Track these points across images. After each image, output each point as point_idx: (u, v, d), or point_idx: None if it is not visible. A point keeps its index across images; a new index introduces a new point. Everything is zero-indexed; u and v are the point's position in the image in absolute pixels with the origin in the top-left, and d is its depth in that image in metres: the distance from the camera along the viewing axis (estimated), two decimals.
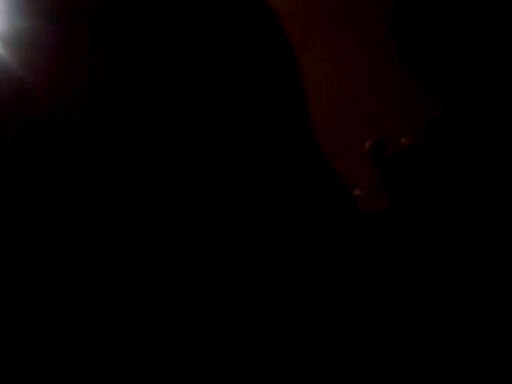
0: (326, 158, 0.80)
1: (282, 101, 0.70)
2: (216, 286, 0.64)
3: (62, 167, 0.63)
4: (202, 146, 0.63)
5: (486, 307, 1.22)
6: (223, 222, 0.64)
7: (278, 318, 0.67)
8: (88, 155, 0.62)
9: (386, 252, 1.26)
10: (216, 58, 0.63)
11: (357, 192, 1.85)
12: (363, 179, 1.80)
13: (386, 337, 0.87)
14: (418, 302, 1.15)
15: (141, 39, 0.63)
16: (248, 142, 0.65)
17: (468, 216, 1.51)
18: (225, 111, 0.63)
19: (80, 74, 0.63)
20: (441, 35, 1.72)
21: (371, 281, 0.88)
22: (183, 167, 0.62)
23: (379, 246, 1.25)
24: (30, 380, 0.64)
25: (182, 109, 0.62)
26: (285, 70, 0.71)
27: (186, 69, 0.62)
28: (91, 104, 0.62)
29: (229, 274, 0.65)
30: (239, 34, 0.66)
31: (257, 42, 0.67)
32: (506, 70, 1.67)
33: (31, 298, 0.63)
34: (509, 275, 1.31)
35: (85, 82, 0.63)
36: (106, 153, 0.62)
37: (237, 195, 0.65)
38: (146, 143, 0.63)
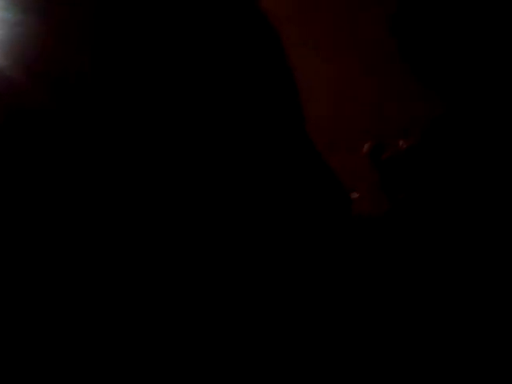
0: (322, 157, 0.79)
1: (274, 100, 0.69)
2: (213, 285, 0.63)
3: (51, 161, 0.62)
4: (193, 145, 0.62)
5: (487, 308, 1.22)
6: (217, 222, 0.64)
7: (270, 317, 0.66)
8: (76, 148, 0.62)
9: (385, 253, 1.25)
10: (207, 56, 0.63)
11: (355, 195, 1.84)
12: (361, 181, 1.80)
13: (384, 337, 0.86)
14: (416, 302, 1.14)
15: (130, 34, 0.62)
16: (240, 142, 0.64)
17: (468, 218, 1.51)
18: (216, 110, 0.63)
19: (66, 67, 0.62)
20: (441, 35, 1.72)
21: (365, 281, 0.87)
22: (176, 166, 0.61)
23: (378, 247, 1.24)
24: (29, 380, 0.64)
25: (175, 108, 0.61)
26: (276, 71, 0.70)
27: (177, 67, 0.61)
28: (76, 96, 0.61)
29: (224, 273, 0.64)
30: (230, 34, 0.65)
31: (247, 42, 0.66)
32: (506, 70, 1.66)
33: (31, 297, 0.63)
34: (509, 276, 1.31)
35: (70, 74, 0.62)
36: (101, 151, 0.62)
37: (230, 195, 0.64)
38: (135, 141, 0.62)
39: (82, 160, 0.65)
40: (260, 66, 0.70)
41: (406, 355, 0.94)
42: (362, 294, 0.86)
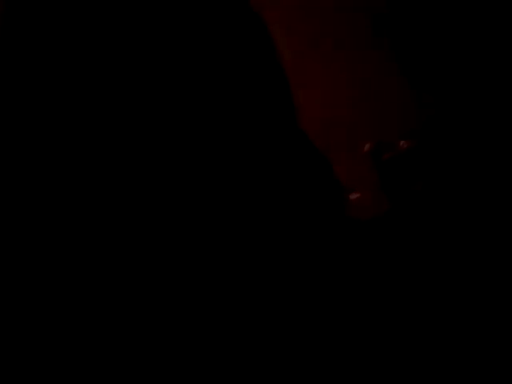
0: (319, 156, 0.79)
1: (266, 98, 0.69)
2: (211, 285, 0.63)
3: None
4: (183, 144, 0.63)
5: (487, 309, 1.22)
6: (214, 221, 0.64)
7: (269, 317, 0.66)
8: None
9: (385, 254, 1.25)
10: (200, 56, 0.63)
11: (355, 195, 1.84)
12: (362, 182, 1.79)
13: (385, 337, 0.86)
14: (417, 303, 1.14)
15: (129, 34, 0.63)
16: (235, 142, 0.64)
17: (470, 218, 1.50)
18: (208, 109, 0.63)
19: None
20: (435, 34, 1.72)
21: (365, 282, 0.87)
22: (171, 163, 0.62)
23: (378, 248, 1.24)
24: (29, 379, 0.64)
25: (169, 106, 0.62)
26: (270, 71, 0.71)
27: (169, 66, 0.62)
28: (76, 95, 0.61)
29: (221, 273, 0.64)
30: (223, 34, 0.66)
31: (240, 42, 0.67)
32: (503, 69, 1.66)
33: (31, 297, 0.63)
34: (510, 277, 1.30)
35: None
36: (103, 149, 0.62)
37: (227, 195, 0.64)
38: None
39: (81, 160, 0.66)
40: (255, 67, 0.70)
41: (406, 355, 0.94)
42: (361, 295, 0.86)
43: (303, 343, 0.70)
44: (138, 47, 0.65)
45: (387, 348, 0.88)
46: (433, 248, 1.45)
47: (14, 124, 0.66)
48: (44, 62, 0.66)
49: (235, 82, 0.67)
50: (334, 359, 0.73)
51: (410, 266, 1.32)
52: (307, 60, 1.79)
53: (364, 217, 1.53)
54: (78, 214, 0.65)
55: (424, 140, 1.73)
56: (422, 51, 1.74)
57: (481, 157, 1.60)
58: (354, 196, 1.80)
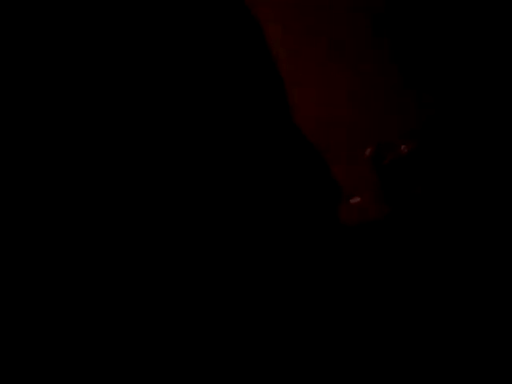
0: (316, 158, 0.78)
1: (260, 97, 0.68)
2: (209, 284, 0.62)
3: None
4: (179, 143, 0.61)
5: (487, 309, 1.21)
6: (210, 221, 0.63)
7: (267, 316, 0.65)
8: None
9: (387, 257, 1.24)
10: (196, 56, 0.62)
11: (356, 199, 1.83)
12: (362, 184, 1.79)
13: (386, 337, 0.85)
14: (418, 305, 1.13)
15: (128, 34, 0.61)
16: (232, 143, 0.63)
17: (472, 221, 1.50)
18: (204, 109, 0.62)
19: None
20: (435, 34, 1.72)
21: (365, 285, 0.85)
22: (168, 162, 0.61)
23: (379, 251, 1.22)
24: (29, 379, 0.64)
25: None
26: (267, 73, 0.69)
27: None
28: (75, 95, 0.61)
29: (219, 272, 0.63)
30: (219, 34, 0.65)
31: (237, 43, 0.66)
32: (503, 69, 1.66)
33: (31, 297, 0.62)
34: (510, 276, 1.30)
35: None
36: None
37: (225, 195, 0.63)
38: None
39: (81, 159, 0.64)
40: (249, 65, 0.69)
41: (406, 356, 0.93)
42: (360, 298, 0.84)
43: (303, 343, 0.69)
44: (131, 42, 0.64)
45: (387, 348, 0.87)
46: (432, 251, 1.43)
47: (13, 124, 0.65)
48: (44, 62, 0.66)
49: (228, 80, 0.66)
50: (333, 359, 0.72)
51: (409, 269, 1.30)
52: (302, 58, 1.78)
53: (364, 220, 1.52)
54: (77, 213, 0.64)
55: (424, 142, 1.72)
56: (421, 51, 1.74)
57: (481, 158, 1.60)
58: (354, 200, 1.79)
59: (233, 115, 0.66)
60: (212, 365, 0.66)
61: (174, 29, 0.64)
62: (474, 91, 1.67)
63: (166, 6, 0.63)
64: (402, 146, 1.79)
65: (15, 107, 0.64)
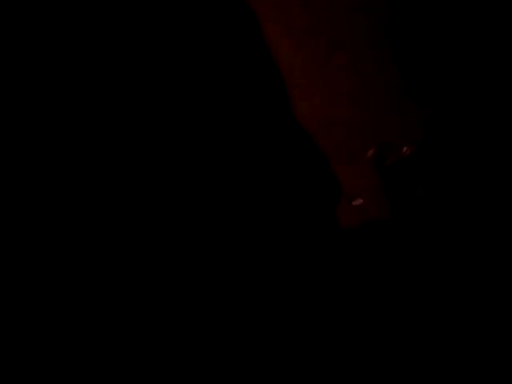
0: (317, 159, 0.78)
1: (261, 97, 0.68)
2: (208, 284, 0.62)
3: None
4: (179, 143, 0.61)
5: (488, 310, 1.20)
6: (210, 221, 0.63)
7: (267, 316, 0.65)
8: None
9: (389, 258, 1.24)
10: (197, 55, 0.62)
11: (358, 201, 1.83)
12: (364, 185, 1.79)
13: (387, 337, 0.85)
14: (419, 305, 1.13)
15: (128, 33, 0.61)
16: (233, 142, 0.63)
17: (473, 222, 1.50)
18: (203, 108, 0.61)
19: None
20: (435, 35, 1.72)
21: (368, 285, 0.85)
22: (167, 162, 0.60)
23: (382, 252, 1.22)
24: (29, 379, 0.63)
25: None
26: (267, 72, 0.69)
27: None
28: (75, 95, 0.61)
29: (219, 272, 0.63)
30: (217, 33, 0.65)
31: (239, 43, 0.65)
32: (503, 69, 1.66)
33: (31, 297, 0.62)
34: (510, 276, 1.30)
35: None
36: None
37: (225, 195, 0.62)
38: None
39: (81, 159, 0.65)
40: (249, 65, 0.69)
41: (406, 356, 0.93)
42: (361, 299, 0.84)
43: (303, 343, 0.69)
44: (130, 42, 0.64)
45: (387, 348, 0.87)
46: (432, 252, 1.43)
47: (14, 124, 0.65)
48: (44, 62, 0.66)
49: (228, 80, 0.66)
50: (333, 359, 0.72)
51: (409, 270, 1.30)
52: (302, 59, 1.78)
53: (364, 221, 1.52)
54: (77, 213, 0.64)
55: (425, 143, 1.73)
56: (422, 51, 1.74)
57: (481, 160, 1.60)
58: (356, 202, 1.79)
59: (233, 115, 0.66)
60: (212, 365, 0.66)
61: (174, 29, 0.64)
62: (475, 92, 1.67)
63: (166, 6, 0.63)
64: (404, 148, 1.79)
65: (15, 107, 0.64)
